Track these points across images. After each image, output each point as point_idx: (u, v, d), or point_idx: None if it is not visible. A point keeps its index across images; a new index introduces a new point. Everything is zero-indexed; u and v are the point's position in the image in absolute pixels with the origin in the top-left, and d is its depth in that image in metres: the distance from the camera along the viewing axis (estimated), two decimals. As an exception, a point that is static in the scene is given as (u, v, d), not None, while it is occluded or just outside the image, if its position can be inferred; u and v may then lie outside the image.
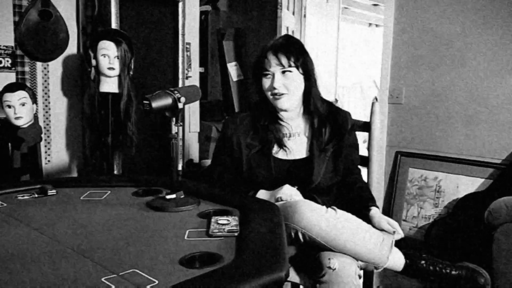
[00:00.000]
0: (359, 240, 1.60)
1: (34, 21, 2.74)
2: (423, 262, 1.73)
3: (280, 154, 1.86)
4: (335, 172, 1.86)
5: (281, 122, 1.88)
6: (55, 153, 2.98)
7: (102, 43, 2.53)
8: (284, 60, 1.76)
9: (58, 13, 2.81)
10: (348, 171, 1.92)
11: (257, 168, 1.82)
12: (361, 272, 1.67)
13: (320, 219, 1.58)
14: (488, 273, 2.21)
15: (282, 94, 1.78)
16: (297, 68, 1.78)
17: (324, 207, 1.64)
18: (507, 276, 2.16)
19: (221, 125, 2.01)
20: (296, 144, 1.88)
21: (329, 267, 1.56)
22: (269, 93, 1.80)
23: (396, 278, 2.63)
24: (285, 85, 1.78)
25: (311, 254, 1.65)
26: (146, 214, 1.50)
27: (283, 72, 1.77)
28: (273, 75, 1.78)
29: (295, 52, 1.79)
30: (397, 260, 1.72)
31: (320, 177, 1.81)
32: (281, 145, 1.85)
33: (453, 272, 1.73)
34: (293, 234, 1.60)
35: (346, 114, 1.92)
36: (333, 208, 1.64)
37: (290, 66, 1.77)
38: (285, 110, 1.85)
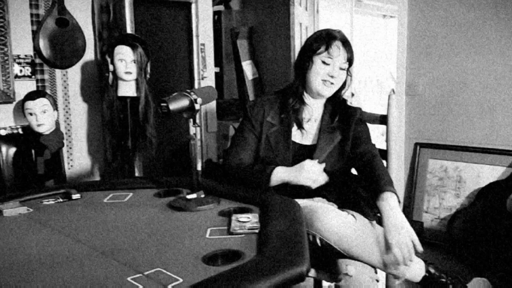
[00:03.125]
0: (377, 252, 1.59)
1: (52, 29, 2.80)
2: (443, 279, 1.69)
3: (297, 137, 1.89)
4: (340, 158, 1.85)
5: (305, 106, 1.92)
6: (77, 158, 3.03)
7: (118, 48, 2.57)
8: (347, 55, 1.84)
9: (74, 20, 2.86)
10: (362, 154, 1.85)
11: (275, 146, 1.85)
12: (379, 276, 1.65)
13: (339, 229, 1.58)
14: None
15: (333, 84, 1.84)
16: (349, 66, 1.87)
17: (345, 213, 1.65)
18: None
19: (238, 123, 2.01)
20: (312, 129, 1.92)
21: (346, 274, 1.57)
22: (319, 78, 1.83)
23: None
24: (339, 77, 1.85)
25: (330, 258, 1.66)
26: (167, 215, 1.53)
27: (340, 67, 1.84)
28: (333, 65, 1.82)
29: (352, 52, 1.87)
30: (417, 271, 1.69)
31: (322, 158, 1.82)
32: (301, 127, 1.89)
33: None
34: (311, 238, 1.61)
35: (355, 109, 1.96)
36: (352, 215, 1.65)
37: (347, 62, 1.85)
38: (322, 97, 1.90)
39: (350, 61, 1.86)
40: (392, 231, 1.52)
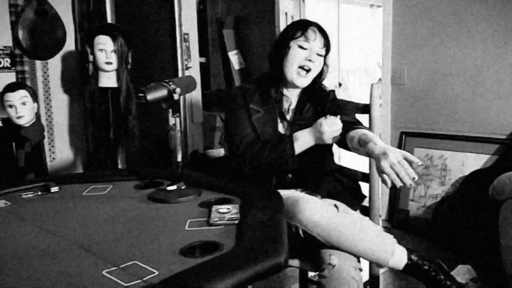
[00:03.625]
0: (360, 241, 1.59)
1: (31, 20, 2.75)
2: (425, 266, 1.67)
3: (280, 127, 1.88)
4: (319, 146, 1.80)
5: (285, 97, 1.90)
6: (59, 150, 3.00)
7: (98, 38, 2.53)
8: (324, 42, 1.83)
9: (54, 11, 2.81)
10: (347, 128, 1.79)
11: (261, 132, 1.82)
12: (362, 265, 1.63)
13: (321, 219, 1.57)
14: (496, 250, 2.22)
15: (310, 69, 1.82)
16: (326, 54, 1.86)
17: (327, 203, 1.64)
18: (515, 251, 2.15)
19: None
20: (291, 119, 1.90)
21: (329, 264, 1.56)
22: (295, 64, 1.81)
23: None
24: (315, 63, 1.82)
25: (313, 248, 1.65)
26: (147, 206, 1.51)
27: (317, 53, 1.82)
28: (310, 49, 1.80)
29: (328, 38, 1.85)
30: (400, 259, 1.67)
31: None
32: (284, 119, 1.88)
33: (453, 287, 1.67)
34: (293, 229, 1.59)
35: (329, 92, 1.94)
36: (334, 205, 1.64)
37: (323, 48, 1.83)
38: (298, 87, 1.88)
39: (327, 47, 1.85)
40: (381, 155, 1.47)
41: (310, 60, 1.80)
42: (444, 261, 1.71)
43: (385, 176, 1.45)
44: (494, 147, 3.01)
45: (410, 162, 1.45)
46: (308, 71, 1.82)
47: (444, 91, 3.23)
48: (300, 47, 1.81)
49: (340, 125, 1.74)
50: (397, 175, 1.43)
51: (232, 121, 1.86)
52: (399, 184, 1.44)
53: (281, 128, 1.88)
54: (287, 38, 1.83)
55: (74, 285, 0.98)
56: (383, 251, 1.62)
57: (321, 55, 1.84)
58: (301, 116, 1.87)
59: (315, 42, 1.81)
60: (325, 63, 1.88)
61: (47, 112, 2.94)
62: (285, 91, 1.90)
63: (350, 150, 1.76)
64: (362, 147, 1.61)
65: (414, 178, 1.43)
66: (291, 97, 1.91)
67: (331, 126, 1.72)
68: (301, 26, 1.83)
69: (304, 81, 1.84)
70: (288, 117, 1.89)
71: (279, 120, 1.88)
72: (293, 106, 1.91)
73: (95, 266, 1.07)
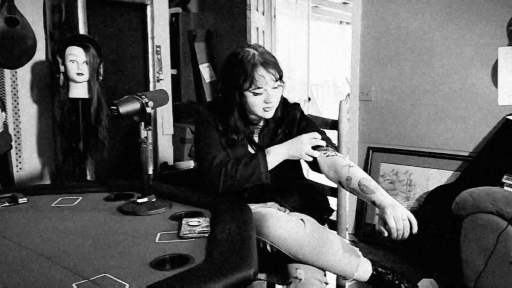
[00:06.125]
0: (326, 254, 1.62)
1: (1, 28, 2.71)
2: (389, 276, 1.73)
3: (250, 150, 1.88)
4: (290, 161, 1.80)
5: (252, 125, 1.88)
6: (27, 160, 2.95)
7: (70, 48, 2.52)
8: (276, 75, 1.73)
9: (24, 19, 2.78)
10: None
11: (231, 151, 1.80)
12: (327, 279, 1.67)
13: (288, 235, 1.59)
14: (458, 264, 2.28)
15: (272, 106, 1.78)
16: (281, 80, 1.77)
17: (295, 218, 1.66)
18: (474, 265, 2.22)
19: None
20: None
21: (296, 277, 1.59)
22: (259, 108, 1.76)
23: None
24: (275, 97, 1.77)
25: (280, 262, 1.67)
26: (117, 219, 1.51)
27: (273, 87, 1.75)
28: (266, 91, 1.73)
29: (278, 64, 1.77)
30: (365, 271, 1.71)
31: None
32: (252, 142, 1.87)
33: None
34: (261, 244, 1.61)
35: (295, 107, 1.91)
36: (301, 220, 1.66)
37: (279, 79, 1.75)
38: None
39: (280, 77, 1.76)
40: (389, 207, 1.56)
41: (270, 102, 1.75)
42: (409, 275, 1.76)
43: (388, 227, 1.54)
44: (457, 163, 3.11)
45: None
46: (270, 107, 1.77)
47: (410, 108, 3.32)
48: (255, 94, 1.73)
49: (319, 137, 1.74)
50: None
51: (203, 140, 1.82)
52: (395, 237, 1.54)
53: (251, 150, 1.87)
54: (236, 89, 1.73)
55: (44, 297, 0.98)
56: (349, 264, 1.66)
57: (277, 87, 1.76)
58: (272, 140, 1.85)
59: (268, 82, 1.72)
60: (282, 84, 1.79)
61: (14, 122, 2.89)
62: (251, 116, 1.85)
63: (320, 173, 1.77)
64: (364, 193, 1.63)
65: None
66: (256, 120, 1.87)
67: (311, 136, 1.73)
68: (246, 74, 1.71)
69: (270, 113, 1.79)
70: (257, 139, 1.89)
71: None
72: (259, 127, 1.89)
73: (65, 279, 1.06)
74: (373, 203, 1.62)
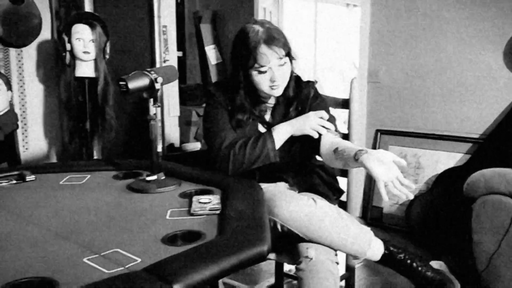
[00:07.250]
0: (337, 234, 1.60)
1: (5, 6, 2.68)
2: (401, 255, 1.70)
3: (260, 128, 1.85)
4: (300, 141, 1.80)
5: (262, 103, 1.85)
6: (33, 140, 2.93)
7: (76, 26, 2.49)
8: (280, 52, 1.68)
9: (30, -2, 2.75)
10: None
11: (241, 130, 1.78)
12: (338, 258, 1.64)
13: (299, 213, 1.57)
14: (468, 246, 2.27)
15: (279, 85, 1.73)
16: (288, 57, 1.73)
17: (305, 197, 1.63)
18: (485, 247, 2.20)
19: (201, 109, 1.94)
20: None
21: (306, 257, 1.57)
22: (266, 86, 1.72)
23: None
24: (281, 75, 1.73)
25: (290, 242, 1.65)
26: (127, 196, 1.49)
27: (279, 64, 1.70)
28: (271, 69, 1.69)
29: (284, 40, 1.71)
30: (377, 250, 1.69)
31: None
32: (263, 120, 1.84)
33: (428, 274, 1.68)
34: (271, 224, 1.59)
35: (308, 85, 1.88)
36: (312, 199, 1.64)
37: (284, 56, 1.70)
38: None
39: (288, 50, 1.71)
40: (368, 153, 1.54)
41: (275, 81, 1.71)
42: (420, 255, 1.74)
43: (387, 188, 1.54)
44: (467, 146, 3.08)
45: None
46: (277, 85, 1.73)
47: (419, 90, 3.28)
48: (259, 72, 1.69)
49: (326, 116, 1.72)
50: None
51: (211, 121, 1.79)
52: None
53: (261, 129, 1.84)
54: (241, 68, 1.71)
55: (56, 271, 0.97)
56: (361, 243, 1.64)
57: (283, 64, 1.71)
58: (284, 119, 1.81)
59: (272, 60, 1.68)
60: (292, 59, 1.75)
61: (20, 102, 2.87)
62: (261, 95, 1.81)
63: (320, 156, 1.77)
64: (347, 154, 1.60)
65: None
66: (267, 98, 1.84)
67: (318, 115, 1.71)
68: (249, 51, 1.67)
69: (278, 91, 1.75)
70: (267, 117, 1.86)
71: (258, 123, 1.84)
72: (271, 105, 1.86)
73: (76, 254, 1.05)
74: (357, 160, 1.55)
